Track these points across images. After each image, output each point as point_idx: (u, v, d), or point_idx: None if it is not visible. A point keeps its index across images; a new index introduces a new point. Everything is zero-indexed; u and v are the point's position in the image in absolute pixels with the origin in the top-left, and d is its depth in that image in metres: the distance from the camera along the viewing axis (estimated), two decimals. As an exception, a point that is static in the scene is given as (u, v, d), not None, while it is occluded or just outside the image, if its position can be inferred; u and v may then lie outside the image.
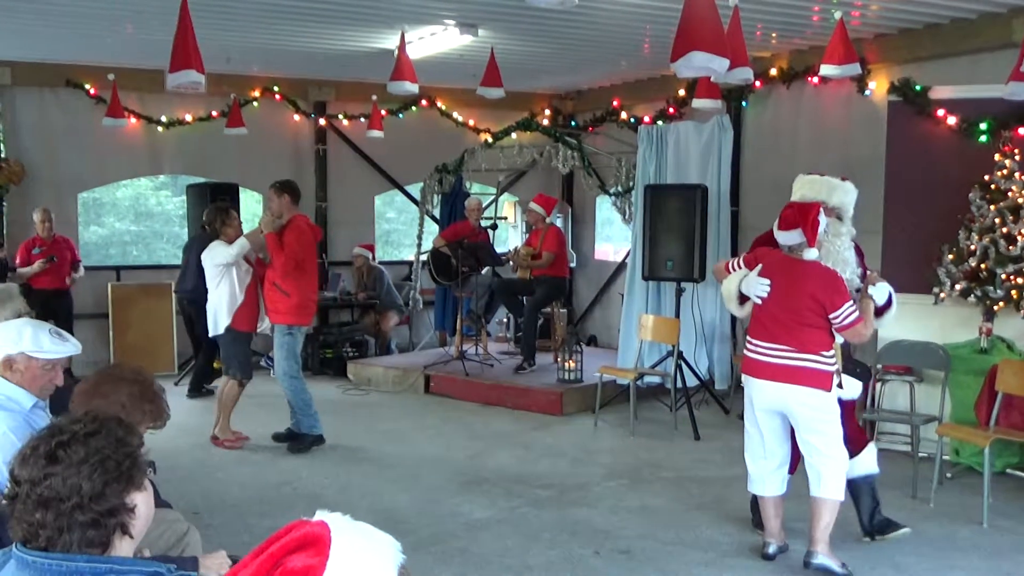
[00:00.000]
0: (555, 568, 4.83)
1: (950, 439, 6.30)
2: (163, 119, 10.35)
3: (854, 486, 5.08)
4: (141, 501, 1.89)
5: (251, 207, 11.28)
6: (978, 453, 6.00)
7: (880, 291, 4.84)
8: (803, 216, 4.64)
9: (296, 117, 11.16)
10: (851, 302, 4.60)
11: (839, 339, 4.76)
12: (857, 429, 5.19)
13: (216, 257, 7.10)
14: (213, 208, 7.64)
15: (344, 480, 6.43)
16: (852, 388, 4.96)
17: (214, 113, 10.49)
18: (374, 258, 11.35)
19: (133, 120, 10.09)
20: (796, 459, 5.03)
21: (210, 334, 7.39)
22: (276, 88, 10.86)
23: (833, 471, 4.71)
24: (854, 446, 5.00)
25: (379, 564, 1.35)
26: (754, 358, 4.82)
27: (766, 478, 4.96)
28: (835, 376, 4.66)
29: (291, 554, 1.32)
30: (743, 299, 4.95)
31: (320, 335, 10.59)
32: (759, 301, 4.81)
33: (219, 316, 7.16)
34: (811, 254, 4.65)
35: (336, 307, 11.17)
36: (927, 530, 5.40)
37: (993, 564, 4.91)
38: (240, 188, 10.40)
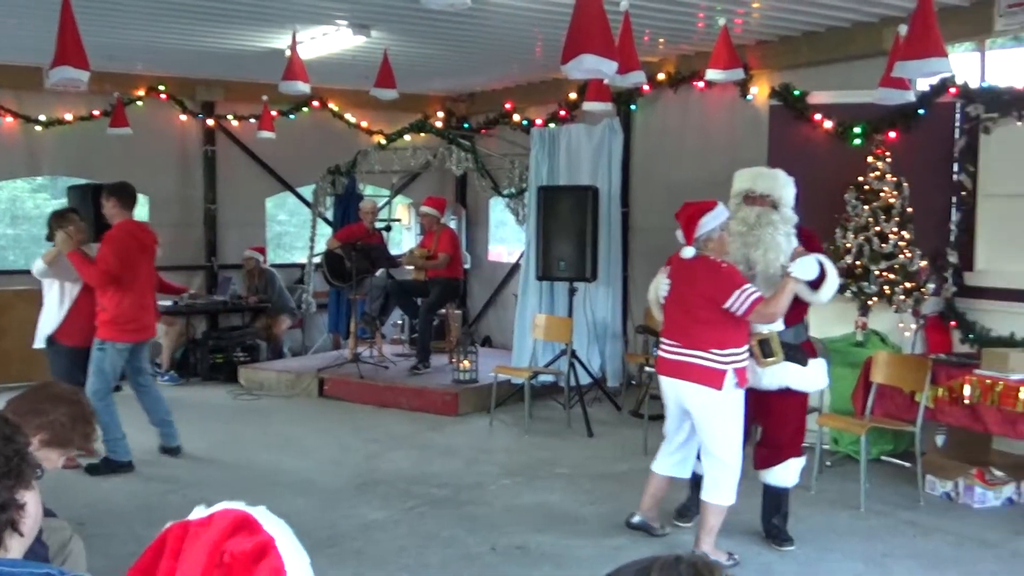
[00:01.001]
0: (452, 566, 4.85)
1: (830, 429, 6.58)
2: (41, 118, 9.97)
3: (765, 487, 5.23)
4: (30, 500, 1.85)
5: (136, 209, 10.95)
6: (855, 441, 6.28)
7: (801, 266, 4.71)
8: (681, 215, 4.83)
9: (183, 117, 10.90)
10: (745, 287, 4.59)
11: (769, 328, 4.83)
12: (795, 434, 5.17)
13: (33, 268, 6.71)
14: (52, 213, 7.11)
15: (236, 486, 6.31)
16: (798, 378, 4.99)
17: (96, 112, 10.16)
18: (265, 261, 11.15)
19: (9, 119, 9.70)
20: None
21: (34, 344, 6.85)
22: (162, 87, 10.58)
23: (717, 475, 4.81)
24: (780, 453, 5.13)
25: (293, 537, 1.38)
26: (659, 354, 5.01)
27: (659, 455, 5.20)
28: (730, 375, 4.67)
29: (229, 539, 1.31)
30: None
31: (210, 339, 10.37)
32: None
33: (41, 327, 6.70)
34: (687, 252, 4.75)
35: (226, 311, 10.94)
36: (809, 516, 5.63)
37: (870, 546, 5.16)
38: (124, 190, 10.09)
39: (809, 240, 5.05)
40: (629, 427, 7.87)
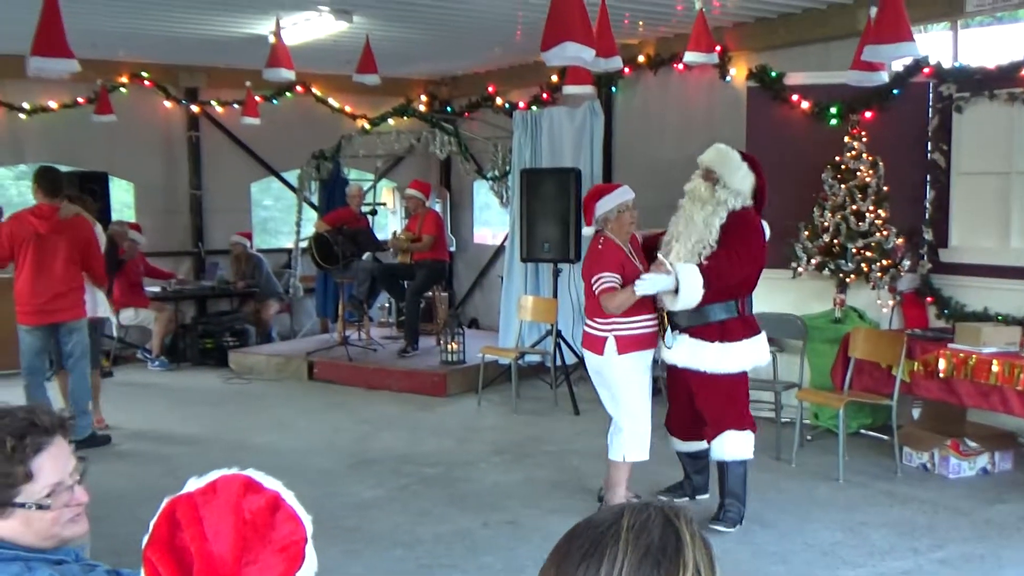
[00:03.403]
0: (444, 540, 5.00)
1: (811, 404, 6.75)
2: (25, 106, 9.99)
3: (720, 466, 5.20)
4: (44, 461, 1.94)
5: (120, 196, 11.02)
6: (835, 416, 6.45)
7: (646, 282, 4.82)
8: (584, 198, 5.34)
9: (167, 103, 10.93)
10: (602, 275, 4.96)
11: (665, 305, 5.02)
12: (723, 407, 5.12)
13: None
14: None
15: (230, 468, 6.42)
16: (687, 357, 5.07)
17: (80, 100, 10.18)
18: (252, 246, 11.24)
19: (-7, 107, 9.72)
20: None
21: None
22: (145, 74, 10.61)
23: (613, 435, 5.19)
24: (713, 427, 5.15)
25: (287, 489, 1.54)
26: None
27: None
28: (610, 341, 5.00)
29: (243, 499, 1.45)
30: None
31: (199, 325, 10.46)
32: None
33: None
34: (586, 231, 5.29)
35: (214, 296, 11.03)
36: (790, 488, 5.81)
37: (848, 515, 5.33)
38: (109, 176, 10.17)
39: (737, 226, 4.96)
40: (614, 405, 8.02)
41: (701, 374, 5.10)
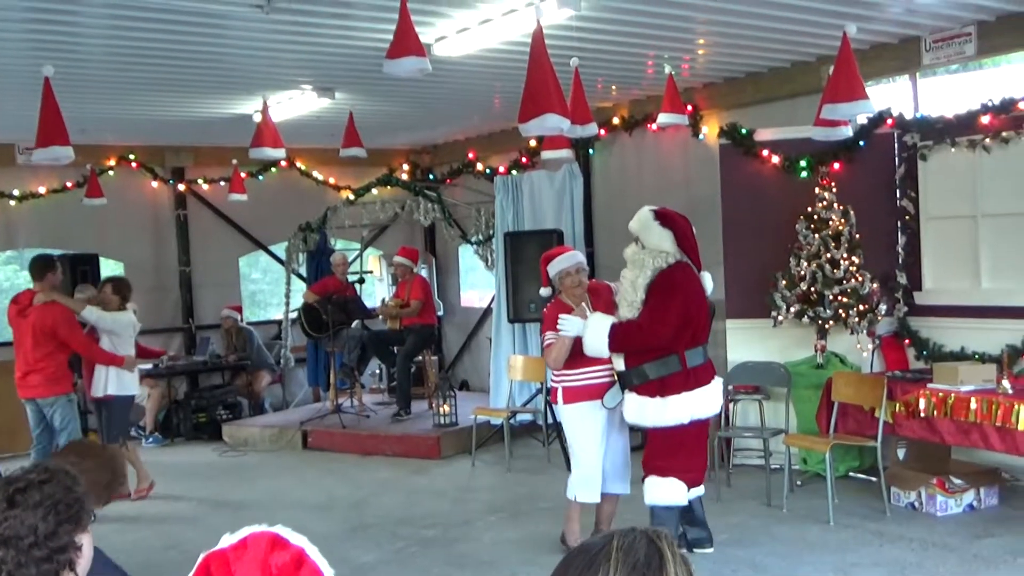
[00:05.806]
0: (445, 600, 5.08)
1: (799, 449, 6.87)
2: (15, 193, 10.17)
3: (652, 511, 5.37)
4: (86, 542, 2.10)
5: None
6: (823, 460, 6.57)
7: (563, 323, 5.30)
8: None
9: (154, 184, 11.13)
10: (546, 334, 5.46)
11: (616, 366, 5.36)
12: (655, 455, 5.35)
13: None
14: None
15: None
16: (630, 414, 5.37)
17: (69, 184, 10.36)
18: (242, 319, 11.36)
19: (-17, 195, 9.89)
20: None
21: None
22: (132, 156, 10.82)
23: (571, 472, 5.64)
24: (647, 467, 5.40)
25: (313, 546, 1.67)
26: None
27: None
28: (559, 391, 5.52)
29: (271, 555, 1.59)
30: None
31: (191, 399, 10.53)
32: None
33: None
34: (543, 291, 5.82)
35: (206, 371, 11.10)
36: (781, 533, 5.92)
37: (839, 556, 5.44)
38: (100, 258, 10.31)
39: (659, 286, 5.17)
40: (606, 459, 8.11)
41: (650, 429, 5.41)
